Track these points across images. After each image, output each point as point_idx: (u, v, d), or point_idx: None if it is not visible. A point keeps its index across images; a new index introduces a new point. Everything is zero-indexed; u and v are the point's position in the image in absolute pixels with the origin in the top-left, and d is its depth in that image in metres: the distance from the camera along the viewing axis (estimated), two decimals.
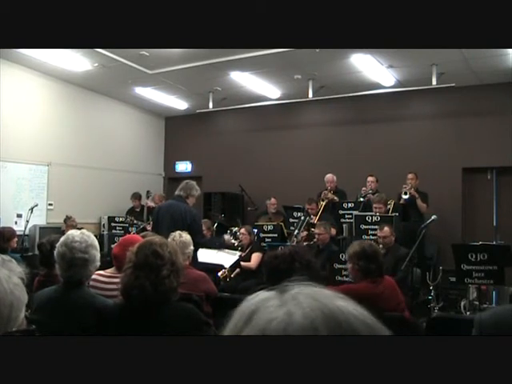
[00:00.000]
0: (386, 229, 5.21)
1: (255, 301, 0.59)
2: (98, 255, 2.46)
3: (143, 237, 3.07)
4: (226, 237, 5.31)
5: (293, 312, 0.55)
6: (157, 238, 2.27)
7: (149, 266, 2.07)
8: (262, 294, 0.60)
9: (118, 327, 2.10)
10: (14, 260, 1.26)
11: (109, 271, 3.05)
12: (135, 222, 7.74)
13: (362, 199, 6.87)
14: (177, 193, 4.83)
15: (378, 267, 3.12)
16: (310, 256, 2.26)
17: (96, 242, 2.48)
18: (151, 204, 8.05)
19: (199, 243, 4.29)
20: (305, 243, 6.18)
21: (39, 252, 3.40)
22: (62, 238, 2.45)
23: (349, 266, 3.19)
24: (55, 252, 2.43)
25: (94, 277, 2.92)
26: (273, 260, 2.09)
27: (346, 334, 0.55)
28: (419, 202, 6.78)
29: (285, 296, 0.58)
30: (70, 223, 7.18)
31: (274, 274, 2.04)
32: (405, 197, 6.76)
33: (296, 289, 0.59)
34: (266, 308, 0.57)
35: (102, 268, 2.97)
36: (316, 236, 5.79)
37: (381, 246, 5.21)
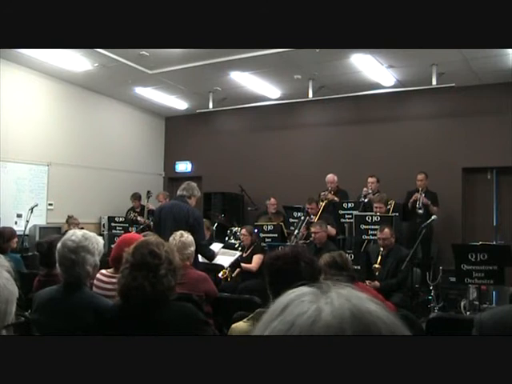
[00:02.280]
0: (386, 230, 5.19)
1: (293, 294, 0.61)
2: (90, 259, 2.38)
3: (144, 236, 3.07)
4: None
5: (322, 309, 0.57)
6: (152, 238, 2.27)
7: (146, 265, 2.06)
8: (301, 288, 0.62)
9: (118, 327, 2.10)
10: (1, 255, 1.25)
11: (110, 271, 3.05)
12: (138, 218, 7.73)
13: (362, 199, 6.87)
14: (180, 193, 4.84)
15: (348, 275, 3.19)
16: (310, 255, 2.25)
17: (93, 246, 2.41)
18: (152, 207, 8.03)
19: (199, 245, 4.29)
20: (300, 241, 6.17)
21: (38, 252, 3.41)
22: (65, 235, 2.45)
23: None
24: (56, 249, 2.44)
25: (97, 275, 2.94)
26: (274, 261, 2.08)
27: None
28: (431, 208, 6.77)
29: (320, 293, 0.60)
30: (71, 222, 7.19)
31: (277, 276, 2.02)
32: (420, 211, 6.69)
33: (332, 288, 0.61)
34: (300, 302, 0.59)
35: (102, 268, 2.97)
36: (312, 235, 5.77)
37: (381, 248, 5.19)
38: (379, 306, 0.60)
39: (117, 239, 6.47)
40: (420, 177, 7.01)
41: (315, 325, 0.55)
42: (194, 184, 4.92)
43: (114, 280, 2.80)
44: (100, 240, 2.52)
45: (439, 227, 6.77)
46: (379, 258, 5.10)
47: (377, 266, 5.01)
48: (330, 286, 0.61)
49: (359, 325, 0.55)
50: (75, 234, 2.42)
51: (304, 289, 0.62)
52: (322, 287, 0.61)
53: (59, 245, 2.39)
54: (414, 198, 6.82)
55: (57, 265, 2.41)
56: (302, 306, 0.58)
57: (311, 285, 0.63)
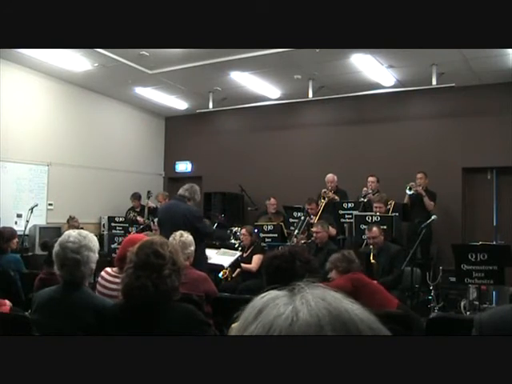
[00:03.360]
0: (375, 229, 5.19)
1: (266, 298, 0.61)
2: (93, 257, 2.41)
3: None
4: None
5: (299, 309, 0.57)
6: (157, 238, 2.27)
7: (150, 265, 2.06)
8: (272, 292, 0.62)
9: (118, 327, 2.10)
10: None
11: (114, 270, 3.04)
12: (137, 218, 7.73)
13: (362, 199, 6.87)
14: (181, 192, 4.82)
15: (357, 266, 3.57)
16: (308, 255, 2.25)
17: (92, 244, 2.43)
18: (152, 205, 8.06)
19: (208, 233, 4.34)
20: (302, 241, 6.19)
21: (44, 250, 3.44)
22: (60, 238, 2.45)
23: (331, 274, 3.57)
24: (53, 251, 2.44)
25: (102, 273, 2.94)
26: (273, 260, 2.08)
27: (350, 334, 0.56)
28: (426, 200, 6.82)
29: (294, 295, 0.60)
30: (72, 223, 7.17)
31: (275, 275, 2.03)
32: (409, 192, 6.77)
33: (305, 289, 0.61)
34: (275, 305, 0.59)
35: (102, 268, 2.97)
36: (314, 234, 5.80)
37: (371, 247, 5.18)
38: (355, 304, 0.60)
39: (117, 239, 6.52)
40: (419, 175, 7.04)
41: (294, 325, 0.56)
42: (197, 188, 4.89)
43: (118, 280, 2.80)
44: (94, 237, 2.53)
45: (439, 227, 6.76)
46: (371, 255, 5.11)
47: (373, 261, 5.03)
48: (302, 287, 0.61)
49: (337, 322, 0.56)
50: (71, 234, 2.41)
51: (276, 292, 0.62)
52: (293, 289, 0.61)
53: (58, 248, 2.38)
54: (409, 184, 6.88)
55: (55, 267, 2.40)
56: (277, 308, 0.58)
57: (282, 288, 0.63)
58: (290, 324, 0.56)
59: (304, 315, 0.56)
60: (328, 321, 0.56)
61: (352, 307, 0.59)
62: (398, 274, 4.92)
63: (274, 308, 0.59)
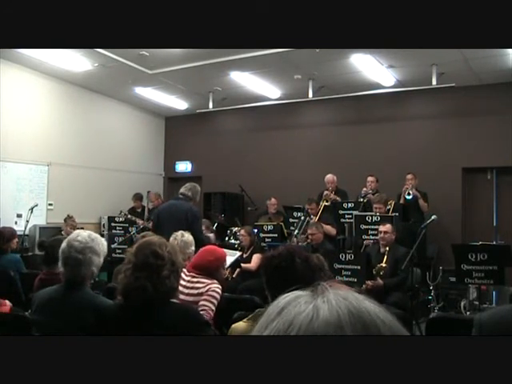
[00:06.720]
0: (388, 225, 5.21)
1: (289, 297, 0.62)
2: (96, 260, 2.41)
3: (142, 237, 3.06)
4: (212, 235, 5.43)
5: (320, 307, 0.58)
6: (155, 238, 2.25)
7: (149, 266, 2.05)
8: (296, 292, 0.63)
9: (118, 327, 2.10)
10: None
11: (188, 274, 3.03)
12: (131, 217, 7.72)
13: (361, 199, 6.87)
14: (183, 191, 4.86)
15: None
16: (306, 252, 2.24)
17: (99, 247, 2.43)
18: (151, 206, 8.06)
19: (199, 239, 4.33)
20: (299, 243, 6.19)
21: (41, 250, 3.44)
22: (70, 235, 2.46)
23: None
24: (60, 248, 2.44)
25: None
26: (271, 260, 2.08)
27: (370, 334, 0.56)
28: (421, 201, 6.85)
29: (316, 294, 0.61)
30: (69, 223, 7.15)
31: (275, 274, 2.02)
32: (408, 197, 6.78)
33: (328, 288, 0.62)
34: (297, 303, 0.60)
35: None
36: (309, 236, 5.80)
37: (386, 248, 5.13)
38: (377, 305, 0.60)
39: (117, 239, 6.52)
40: (409, 176, 7.06)
41: (314, 322, 0.56)
42: (199, 188, 5.00)
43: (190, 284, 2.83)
44: (104, 242, 2.53)
45: (439, 227, 6.76)
46: (385, 257, 5.05)
47: (384, 265, 4.98)
48: (326, 287, 0.62)
49: (357, 322, 0.56)
50: (80, 234, 2.42)
51: (299, 292, 0.63)
52: (317, 289, 0.62)
53: (64, 245, 2.39)
54: (404, 188, 6.89)
55: (59, 264, 2.41)
56: (299, 306, 0.59)
57: (306, 288, 0.63)
58: (309, 321, 0.56)
59: (324, 313, 0.57)
60: (348, 320, 0.56)
61: (374, 309, 0.59)
62: (403, 276, 4.90)
63: (296, 306, 0.59)
